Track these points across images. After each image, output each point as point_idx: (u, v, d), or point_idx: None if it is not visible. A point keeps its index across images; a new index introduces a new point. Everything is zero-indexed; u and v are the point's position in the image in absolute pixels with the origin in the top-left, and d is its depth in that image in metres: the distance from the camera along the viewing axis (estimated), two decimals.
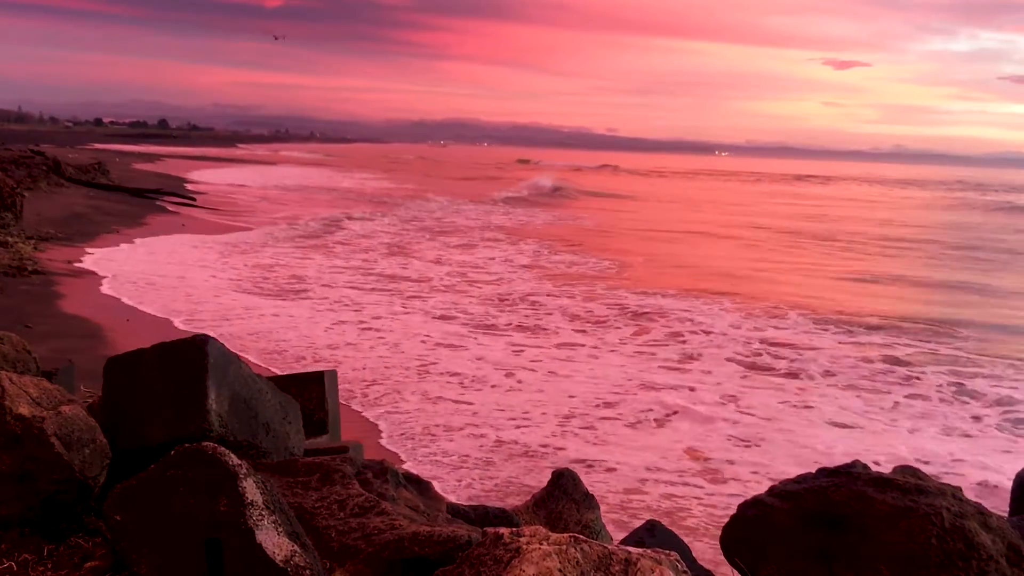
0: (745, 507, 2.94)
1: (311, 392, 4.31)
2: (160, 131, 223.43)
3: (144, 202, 33.71)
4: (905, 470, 2.88)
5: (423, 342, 13.82)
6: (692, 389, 11.86)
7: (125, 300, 14.97)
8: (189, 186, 44.31)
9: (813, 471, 2.93)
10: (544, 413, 10.54)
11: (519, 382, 11.87)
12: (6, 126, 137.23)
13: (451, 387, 11.46)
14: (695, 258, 26.72)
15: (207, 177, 54.79)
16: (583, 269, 23.14)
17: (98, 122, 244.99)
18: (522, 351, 13.65)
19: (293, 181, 57.86)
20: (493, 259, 24.22)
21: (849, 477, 2.74)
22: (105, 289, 15.78)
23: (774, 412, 11.08)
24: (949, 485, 2.76)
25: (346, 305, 16.60)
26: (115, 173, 42.80)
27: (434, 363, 12.56)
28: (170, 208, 33.19)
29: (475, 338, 14.37)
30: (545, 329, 15.36)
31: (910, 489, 2.64)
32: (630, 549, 2.53)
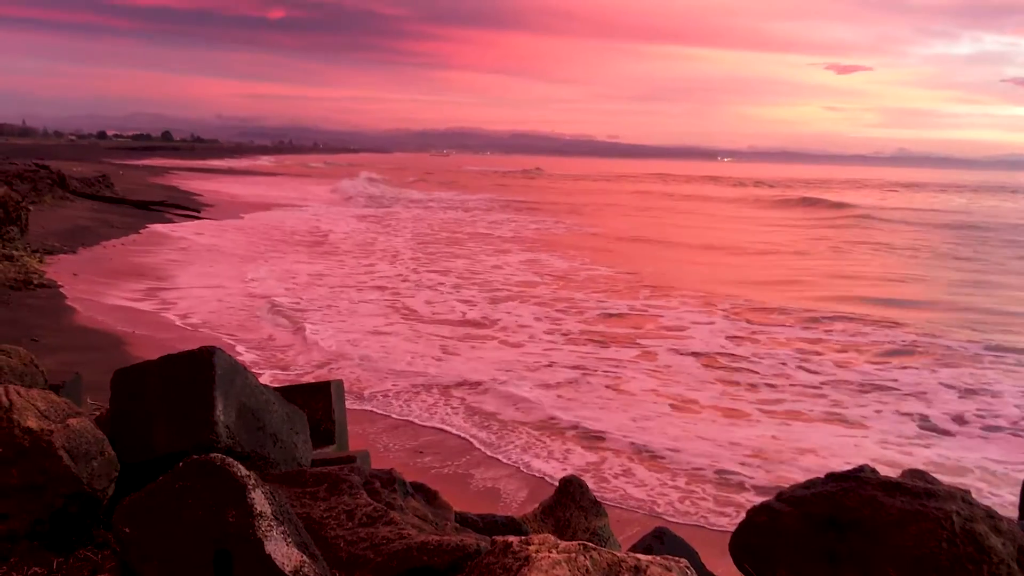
0: (754, 513, 2.92)
1: (318, 402, 4.31)
2: (164, 143, 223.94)
3: (149, 214, 33.82)
4: (914, 474, 2.86)
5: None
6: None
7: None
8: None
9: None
10: None
11: None
12: (11, 140, 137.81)
13: None
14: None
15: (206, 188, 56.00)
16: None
17: (102, 135, 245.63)
18: None
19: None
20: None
21: (858, 482, 2.72)
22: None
23: None
24: (959, 488, 2.75)
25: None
26: (119, 186, 42.98)
27: None
28: (175, 220, 33.29)
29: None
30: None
31: (919, 493, 2.63)
32: (639, 556, 2.53)
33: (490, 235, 34.89)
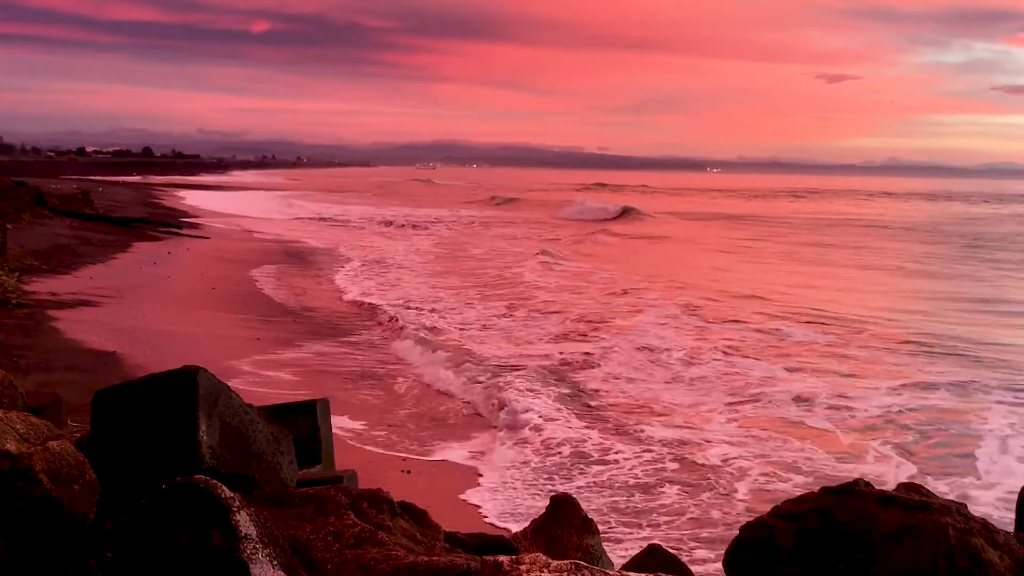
0: (748, 529, 2.90)
1: (303, 421, 4.26)
2: (144, 159, 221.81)
3: (131, 232, 33.58)
4: (909, 487, 2.85)
5: None
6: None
7: None
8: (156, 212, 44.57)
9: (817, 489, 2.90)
10: None
11: None
12: None
13: None
14: None
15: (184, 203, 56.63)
16: None
17: (81, 151, 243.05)
18: None
19: None
20: None
21: (852, 495, 2.71)
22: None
23: None
24: (954, 501, 2.74)
25: None
26: (99, 203, 42.72)
27: None
28: (162, 238, 33.04)
29: None
30: None
31: (915, 506, 2.61)
32: (632, 574, 2.50)
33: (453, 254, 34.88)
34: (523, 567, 2.44)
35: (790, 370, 14.09)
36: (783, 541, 2.73)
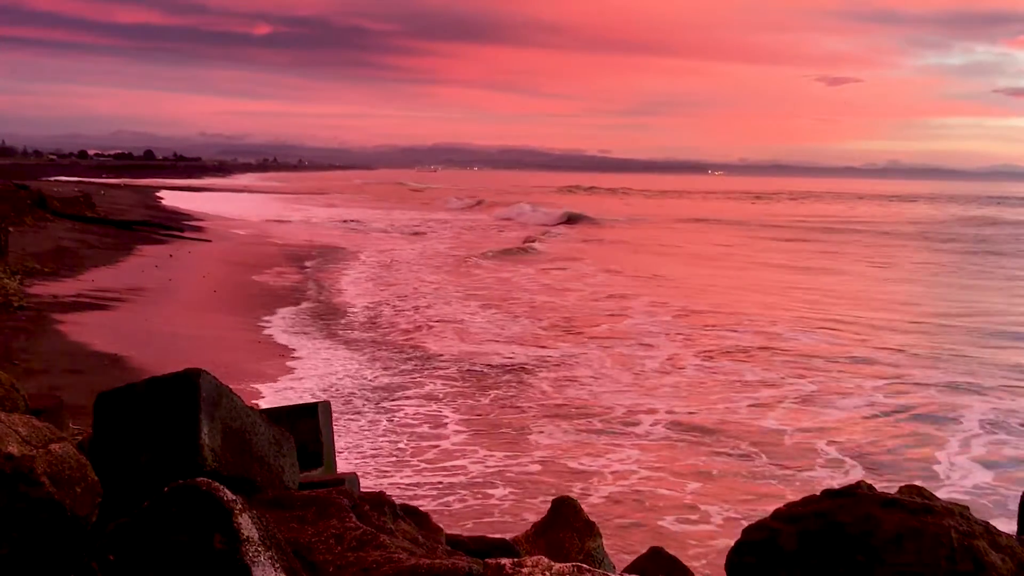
0: (750, 531, 2.90)
1: (305, 424, 4.25)
2: (146, 162, 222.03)
3: (132, 234, 33.59)
4: (911, 489, 2.85)
5: None
6: None
7: None
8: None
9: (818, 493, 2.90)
10: None
11: None
12: None
13: None
14: None
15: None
16: None
17: (83, 154, 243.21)
18: None
19: None
20: None
21: (855, 498, 2.70)
22: None
23: None
24: (957, 504, 2.73)
25: None
26: (101, 206, 42.75)
27: None
28: (165, 241, 33.06)
29: None
30: None
31: (917, 509, 2.61)
32: None
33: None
34: (525, 570, 2.44)
35: (751, 374, 14.10)
36: (785, 544, 2.73)
